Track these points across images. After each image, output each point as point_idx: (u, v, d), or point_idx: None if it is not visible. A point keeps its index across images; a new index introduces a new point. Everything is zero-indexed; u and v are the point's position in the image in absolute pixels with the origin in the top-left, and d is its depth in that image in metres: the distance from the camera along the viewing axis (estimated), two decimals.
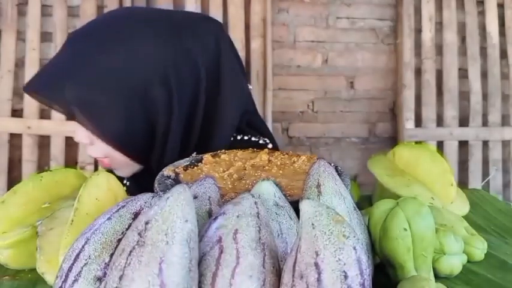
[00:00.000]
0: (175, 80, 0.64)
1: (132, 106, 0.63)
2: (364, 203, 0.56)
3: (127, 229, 0.34)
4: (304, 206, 0.31)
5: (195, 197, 0.41)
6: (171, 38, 0.64)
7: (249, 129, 0.74)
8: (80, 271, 0.32)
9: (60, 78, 0.61)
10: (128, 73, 0.62)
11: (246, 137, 0.72)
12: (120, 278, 0.27)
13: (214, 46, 0.68)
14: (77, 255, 0.32)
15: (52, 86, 0.62)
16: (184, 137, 0.68)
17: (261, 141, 0.73)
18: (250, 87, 0.79)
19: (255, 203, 0.33)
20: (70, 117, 0.67)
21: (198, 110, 0.67)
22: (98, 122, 0.63)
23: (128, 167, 0.69)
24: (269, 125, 1.66)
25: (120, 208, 0.35)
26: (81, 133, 0.65)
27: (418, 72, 1.82)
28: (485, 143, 1.84)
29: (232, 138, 0.72)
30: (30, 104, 1.63)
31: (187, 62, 0.65)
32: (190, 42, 0.65)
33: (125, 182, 0.75)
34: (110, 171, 0.67)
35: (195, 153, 0.64)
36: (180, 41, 0.65)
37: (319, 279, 0.27)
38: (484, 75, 1.84)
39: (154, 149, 0.66)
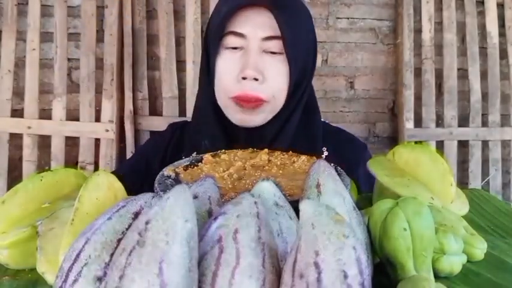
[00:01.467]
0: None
1: (308, 55, 0.75)
2: (364, 202, 0.56)
3: (127, 229, 0.34)
4: (304, 205, 0.31)
5: (195, 197, 0.41)
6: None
7: None
8: (80, 271, 0.32)
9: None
10: (309, 32, 0.76)
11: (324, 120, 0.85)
12: (120, 277, 0.27)
13: None
14: (77, 255, 0.32)
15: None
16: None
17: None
18: None
19: (255, 202, 0.33)
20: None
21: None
22: (294, 51, 0.71)
23: (266, 116, 0.74)
24: None
25: (120, 208, 0.35)
26: (257, 66, 0.70)
27: (418, 72, 1.82)
28: (485, 143, 1.84)
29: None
30: (30, 104, 1.63)
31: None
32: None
33: (204, 142, 0.77)
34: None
35: (195, 153, 0.64)
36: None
37: (319, 279, 0.27)
38: (484, 75, 1.84)
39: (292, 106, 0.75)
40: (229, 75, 0.72)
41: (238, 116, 0.73)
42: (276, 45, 0.71)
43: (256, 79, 0.70)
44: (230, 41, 0.72)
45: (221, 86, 0.74)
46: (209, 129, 0.76)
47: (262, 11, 0.71)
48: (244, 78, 0.70)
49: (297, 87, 0.75)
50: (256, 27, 0.70)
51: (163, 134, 0.88)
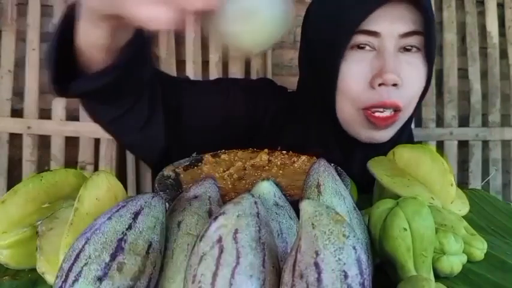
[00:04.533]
0: None
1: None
2: (364, 203, 0.56)
3: (127, 229, 0.34)
4: (304, 205, 0.31)
5: (195, 197, 0.41)
6: None
7: None
8: (80, 271, 0.32)
9: None
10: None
11: None
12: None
13: None
14: (77, 255, 0.32)
15: None
16: None
17: None
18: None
19: (255, 202, 0.33)
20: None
21: None
22: (433, 49, 0.61)
23: (396, 129, 0.63)
24: None
25: (120, 208, 0.35)
26: (396, 68, 0.59)
27: None
28: (485, 143, 1.84)
29: None
30: (30, 104, 1.63)
31: None
32: None
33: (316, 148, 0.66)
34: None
35: (195, 153, 0.64)
36: None
37: (319, 279, 0.27)
38: (484, 75, 1.84)
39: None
40: (359, 81, 0.60)
41: (365, 133, 0.63)
42: (415, 40, 0.60)
43: (395, 84, 0.59)
44: (360, 40, 0.60)
45: (348, 95, 0.61)
46: (325, 142, 0.67)
47: (397, 4, 0.59)
48: (381, 85, 0.59)
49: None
50: (393, 22, 0.59)
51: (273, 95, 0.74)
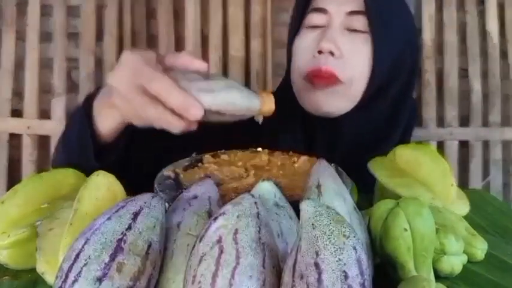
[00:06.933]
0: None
1: (403, 41, 0.68)
2: (364, 203, 0.56)
3: (127, 229, 0.34)
4: (304, 206, 0.31)
5: (195, 197, 0.41)
6: None
7: None
8: (80, 271, 0.32)
9: None
10: (403, 13, 0.70)
11: None
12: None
13: None
14: (77, 255, 0.32)
15: None
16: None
17: None
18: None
19: (255, 203, 0.33)
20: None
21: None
22: (382, 31, 0.64)
23: (340, 102, 0.66)
24: None
25: (119, 208, 0.35)
26: (335, 39, 0.63)
27: (418, 72, 1.82)
28: (486, 143, 1.84)
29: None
30: (30, 104, 1.63)
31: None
32: None
33: (285, 137, 0.70)
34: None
35: (195, 153, 0.64)
36: None
37: (319, 280, 0.27)
38: (485, 75, 1.84)
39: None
40: (305, 53, 0.65)
41: (309, 98, 0.65)
42: (361, 22, 0.64)
43: (332, 53, 0.63)
44: (312, 19, 0.66)
45: (295, 66, 0.67)
46: (289, 125, 0.70)
47: None
48: (320, 53, 0.63)
49: (389, 80, 0.67)
50: (340, 1, 0.64)
51: None
